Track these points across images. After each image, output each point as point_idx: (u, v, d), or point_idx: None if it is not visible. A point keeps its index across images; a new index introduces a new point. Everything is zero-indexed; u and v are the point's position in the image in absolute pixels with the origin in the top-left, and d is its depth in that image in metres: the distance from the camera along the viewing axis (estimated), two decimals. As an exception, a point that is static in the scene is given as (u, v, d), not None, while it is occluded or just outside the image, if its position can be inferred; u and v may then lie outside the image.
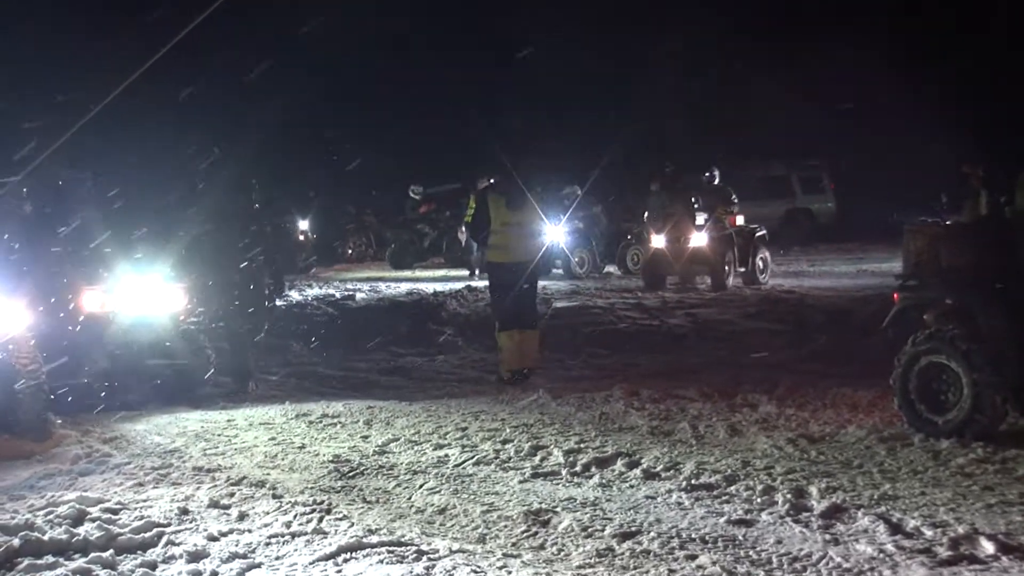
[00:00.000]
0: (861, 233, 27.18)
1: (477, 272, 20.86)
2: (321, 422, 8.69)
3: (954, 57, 25.98)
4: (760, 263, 18.95)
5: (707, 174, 19.39)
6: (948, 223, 7.91)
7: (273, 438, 8.15)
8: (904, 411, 7.61)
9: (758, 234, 19.22)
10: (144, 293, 9.68)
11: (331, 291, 19.41)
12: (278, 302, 13.54)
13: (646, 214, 19.42)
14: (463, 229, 22.37)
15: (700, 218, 18.47)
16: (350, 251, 27.84)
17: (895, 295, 8.04)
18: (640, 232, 20.11)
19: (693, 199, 18.76)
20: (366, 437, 8.05)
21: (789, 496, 6.06)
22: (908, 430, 7.52)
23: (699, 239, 18.24)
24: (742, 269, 18.75)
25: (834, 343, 11.69)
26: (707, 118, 30.06)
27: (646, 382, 10.09)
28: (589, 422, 8.36)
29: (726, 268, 18.18)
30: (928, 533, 5.40)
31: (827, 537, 5.42)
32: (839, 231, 28.49)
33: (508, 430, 8.04)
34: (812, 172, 29.26)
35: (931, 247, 7.79)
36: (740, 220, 19.22)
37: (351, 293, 18.77)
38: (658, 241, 18.65)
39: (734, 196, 19.29)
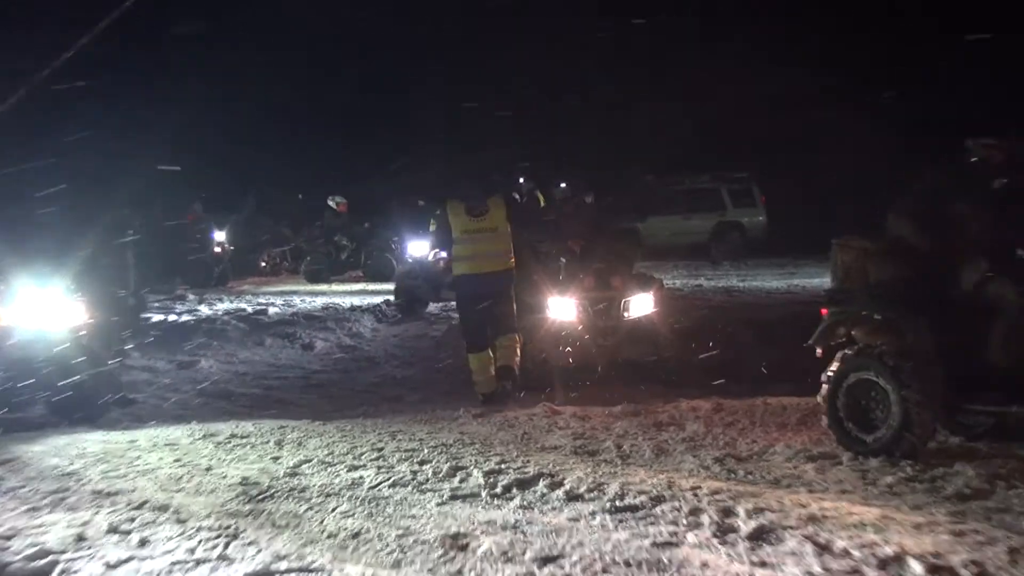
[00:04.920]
0: (793, 247, 27.53)
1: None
2: (229, 443, 8.58)
3: (887, 63, 26.49)
4: None
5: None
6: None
7: (178, 459, 8.02)
8: (833, 429, 7.69)
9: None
10: (43, 307, 9.51)
11: (243, 305, 19.24)
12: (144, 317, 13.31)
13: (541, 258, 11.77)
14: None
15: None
16: (264, 264, 27.59)
17: (823, 310, 8.13)
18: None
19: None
20: (277, 458, 7.96)
21: (715, 517, 6.08)
22: (837, 449, 7.60)
23: (644, 303, 11.50)
24: None
25: (764, 361, 11.79)
26: (628, 130, 30.27)
27: (570, 401, 10.11)
28: (511, 442, 8.35)
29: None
30: (856, 554, 5.45)
31: (754, 559, 5.45)
32: (770, 245, 28.82)
33: (426, 450, 7.99)
34: (742, 185, 29.58)
35: (859, 261, 7.89)
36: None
37: (264, 308, 18.63)
38: (562, 308, 11.24)
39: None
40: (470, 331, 10.27)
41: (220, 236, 25.55)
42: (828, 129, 26.63)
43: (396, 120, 30.66)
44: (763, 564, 5.38)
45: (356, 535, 6.04)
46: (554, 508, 6.48)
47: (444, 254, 16.33)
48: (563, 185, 14.58)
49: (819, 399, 7.81)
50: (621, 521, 6.14)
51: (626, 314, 11.28)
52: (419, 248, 19.06)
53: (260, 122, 29.61)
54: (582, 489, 6.77)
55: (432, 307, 18.07)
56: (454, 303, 16.76)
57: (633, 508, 6.36)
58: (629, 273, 11.69)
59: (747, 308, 17.46)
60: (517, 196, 12.74)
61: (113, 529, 6.11)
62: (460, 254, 10.16)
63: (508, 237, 10.06)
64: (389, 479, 7.21)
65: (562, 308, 11.20)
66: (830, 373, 7.73)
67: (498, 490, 6.86)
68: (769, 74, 26.57)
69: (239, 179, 30.98)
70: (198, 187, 26.80)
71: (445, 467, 7.43)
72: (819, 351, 8.08)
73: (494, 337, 10.18)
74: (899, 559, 5.35)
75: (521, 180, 17.62)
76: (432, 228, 14.04)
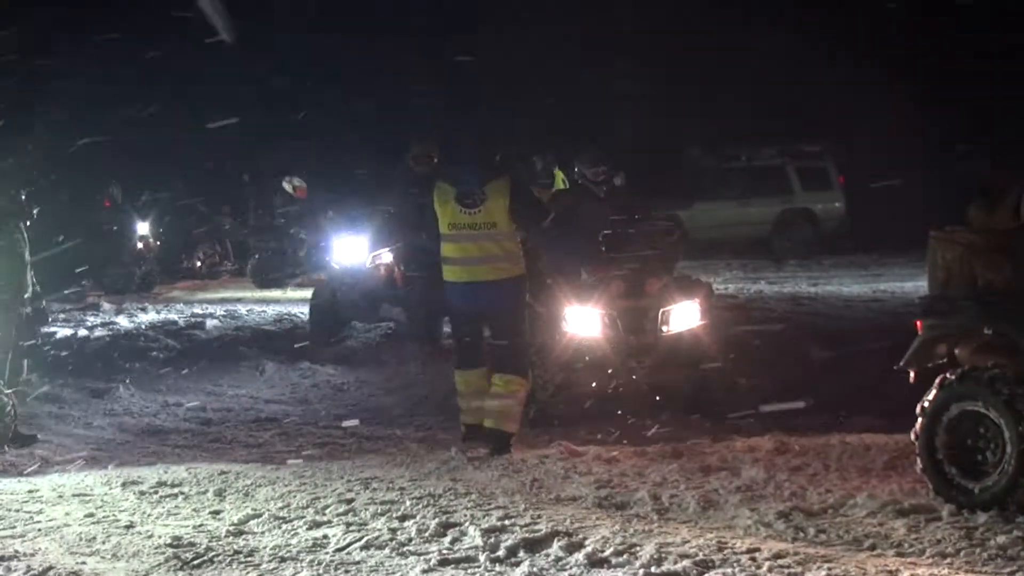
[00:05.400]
0: (879, 241, 27.43)
1: None
2: (156, 492, 8.61)
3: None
4: None
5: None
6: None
7: (91, 515, 8.05)
8: (929, 475, 7.69)
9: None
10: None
11: (173, 316, 19.28)
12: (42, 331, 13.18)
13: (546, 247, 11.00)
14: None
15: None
16: (199, 263, 27.63)
17: (918, 323, 8.13)
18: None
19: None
20: (217, 513, 7.99)
21: (779, 588, 6.11)
22: (935, 500, 7.60)
23: (688, 314, 11.29)
24: None
25: (840, 388, 11.79)
26: (672, 92, 30.29)
27: (593, 439, 10.11)
28: (517, 491, 8.36)
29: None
30: (959, 636, 5.49)
31: (828, 642, 5.49)
32: (850, 239, 28.75)
33: (408, 502, 8.02)
34: (814, 161, 29.50)
35: (965, 260, 7.87)
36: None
37: (200, 320, 18.68)
38: (583, 320, 11.03)
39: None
40: (460, 344, 10.16)
41: (144, 228, 25.54)
42: (931, 86, 26.60)
43: (381, 75, 30.75)
44: (840, 648, 5.41)
45: (319, 610, 6.08)
46: (573, 576, 6.51)
47: (386, 259, 15.84)
48: (602, 168, 13.96)
49: (912, 436, 7.82)
50: (658, 593, 6.17)
51: (665, 328, 11.06)
52: (351, 249, 16.77)
53: (195, 81, 29.67)
54: (608, 552, 6.79)
55: (356, 332, 17.12)
56: (393, 324, 16.57)
57: (674, 576, 6.39)
58: (669, 276, 11.51)
59: (820, 320, 17.45)
60: (526, 176, 12.52)
61: (8, 603, 6.16)
62: (447, 255, 9.87)
63: (513, 235, 9.80)
64: (361, 539, 7.23)
65: (583, 320, 11.01)
66: (927, 404, 7.73)
67: (500, 553, 6.88)
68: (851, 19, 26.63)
69: (169, 153, 31.00)
70: (116, 165, 26.83)
71: (433, 524, 7.45)
72: (912, 375, 8.08)
73: (492, 370, 9.92)
74: (1015, 642, 5.38)
75: (533, 158, 17.07)
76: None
